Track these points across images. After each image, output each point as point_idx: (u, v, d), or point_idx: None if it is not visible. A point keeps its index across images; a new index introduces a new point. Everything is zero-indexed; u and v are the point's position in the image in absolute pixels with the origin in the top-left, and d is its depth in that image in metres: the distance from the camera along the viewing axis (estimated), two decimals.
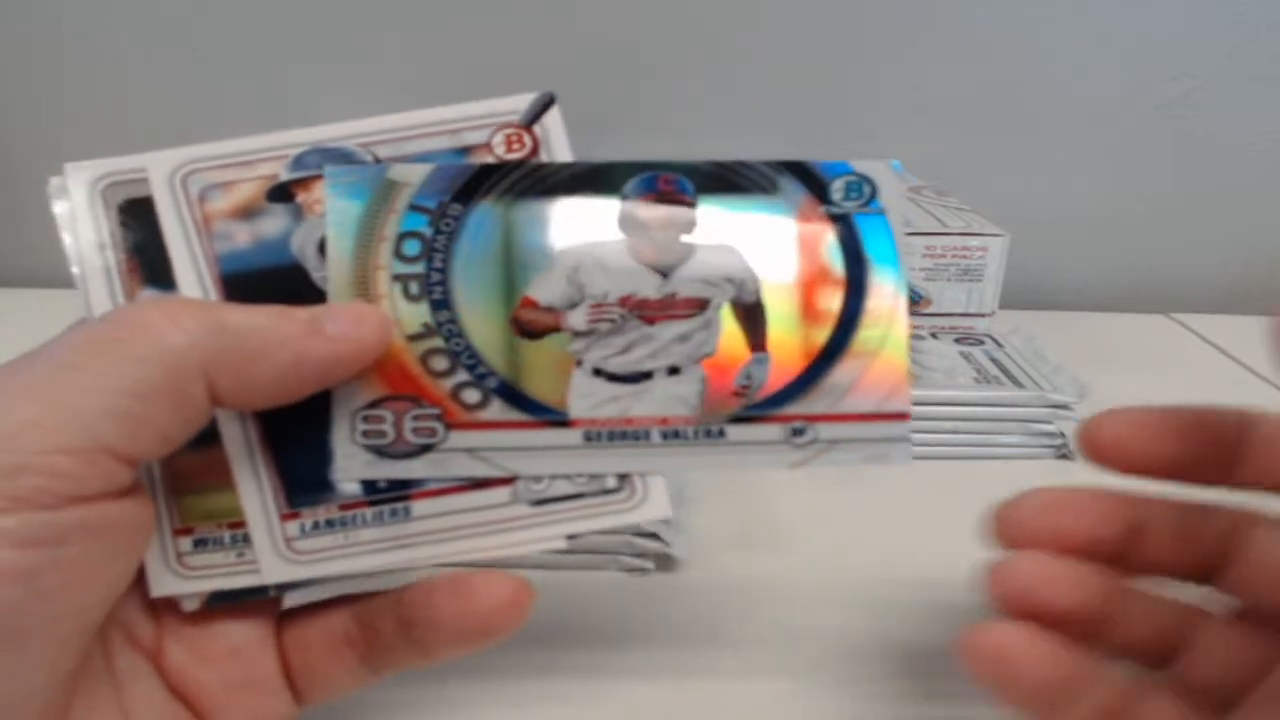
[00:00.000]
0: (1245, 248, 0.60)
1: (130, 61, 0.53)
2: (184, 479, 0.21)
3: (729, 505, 0.36)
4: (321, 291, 0.22)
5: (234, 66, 0.53)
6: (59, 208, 0.22)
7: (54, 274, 0.56)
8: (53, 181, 0.22)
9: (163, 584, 0.21)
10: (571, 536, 0.22)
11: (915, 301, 0.45)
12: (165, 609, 0.21)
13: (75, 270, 0.21)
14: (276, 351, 0.19)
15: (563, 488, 0.22)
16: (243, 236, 0.22)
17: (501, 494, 0.22)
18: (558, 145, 0.23)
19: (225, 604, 0.21)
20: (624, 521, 0.22)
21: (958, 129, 0.56)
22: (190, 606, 0.21)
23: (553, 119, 0.23)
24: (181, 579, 0.21)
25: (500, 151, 0.23)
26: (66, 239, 0.21)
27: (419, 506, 0.22)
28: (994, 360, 0.42)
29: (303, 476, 0.21)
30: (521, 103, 0.23)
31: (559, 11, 0.53)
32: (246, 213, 0.22)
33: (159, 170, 0.22)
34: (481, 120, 0.23)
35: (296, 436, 0.21)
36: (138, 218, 0.22)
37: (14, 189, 0.56)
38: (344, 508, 0.21)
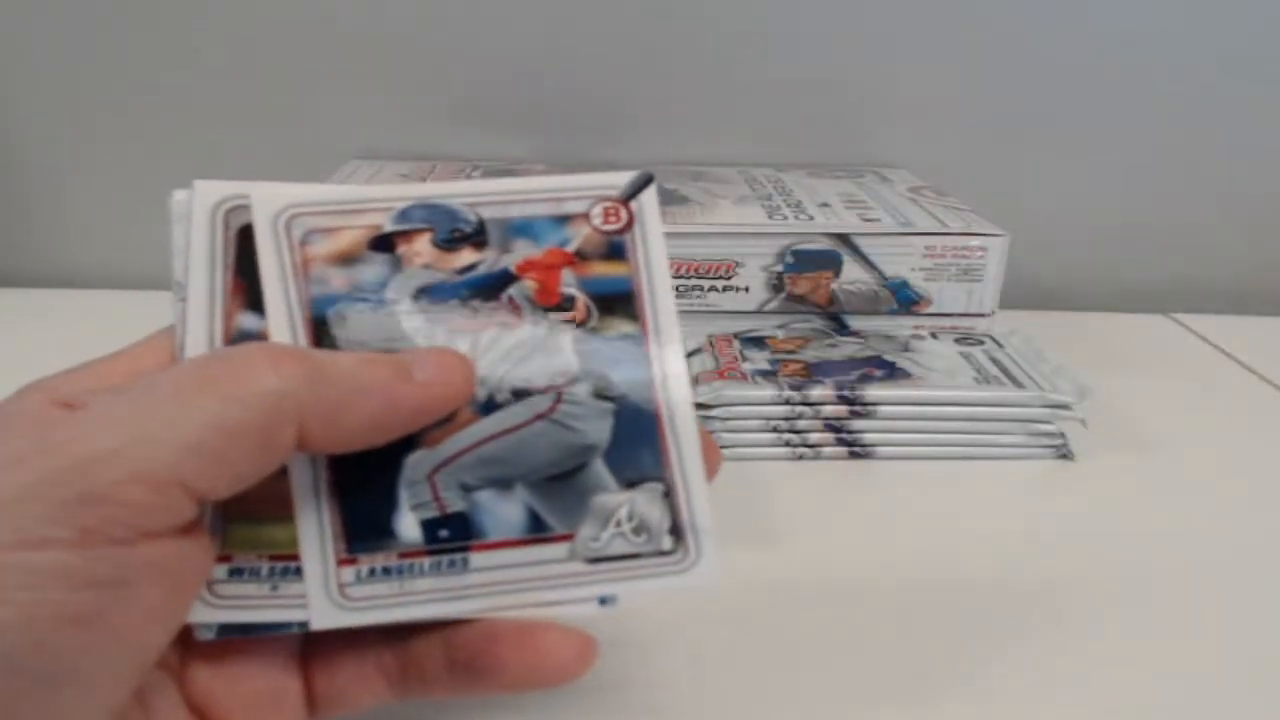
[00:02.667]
0: (1246, 248, 0.60)
1: (133, 62, 0.53)
2: (235, 505, 0.21)
3: (730, 505, 0.36)
4: (412, 341, 0.22)
5: (235, 66, 0.53)
6: (179, 220, 0.22)
7: (55, 274, 0.56)
8: (176, 195, 0.22)
9: (190, 610, 0.20)
10: (604, 600, 0.22)
11: (915, 302, 0.46)
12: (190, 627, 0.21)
13: (178, 282, 0.22)
14: (369, 399, 0.19)
15: (619, 546, 0.22)
16: (339, 282, 0.22)
17: (559, 550, 0.22)
18: (651, 221, 0.23)
19: (240, 635, 0.21)
20: (677, 584, 0.22)
21: (958, 129, 0.56)
22: (204, 636, 0.21)
23: (649, 196, 0.24)
24: (210, 607, 0.21)
25: (597, 222, 0.23)
26: (178, 252, 0.22)
27: (478, 558, 0.21)
28: (994, 360, 0.42)
29: (365, 521, 0.21)
30: (622, 179, 0.24)
31: (559, 11, 0.53)
32: (346, 259, 0.22)
33: (264, 210, 0.22)
34: (583, 192, 0.24)
35: (364, 480, 0.21)
36: (252, 243, 0.22)
37: (17, 189, 0.56)
38: (403, 555, 0.21)
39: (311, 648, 0.22)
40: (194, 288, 0.22)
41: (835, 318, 0.46)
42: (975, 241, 0.45)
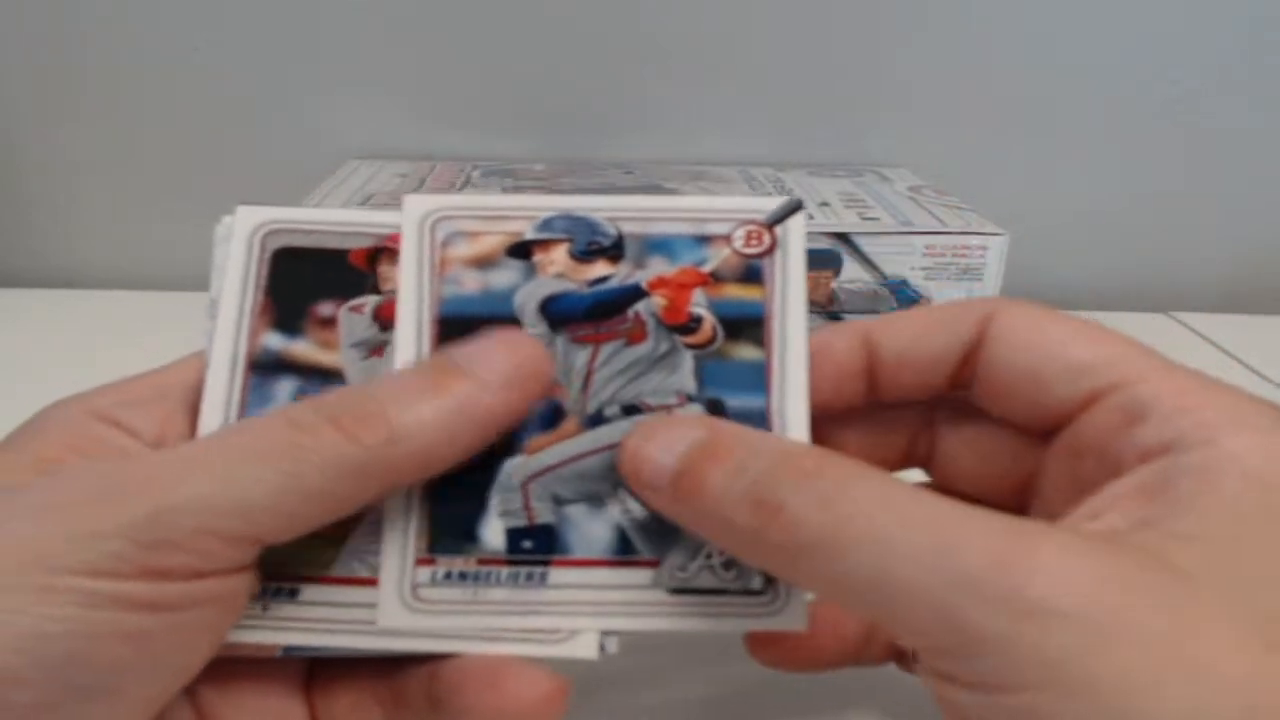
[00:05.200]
0: (1245, 247, 0.60)
1: (132, 61, 0.53)
2: None
3: None
4: None
5: (234, 64, 0.53)
6: (220, 244, 0.23)
7: (55, 274, 0.56)
8: (223, 219, 0.23)
9: (227, 634, 0.20)
10: (603, 646, 0.21)
11: (915, 301, 0.46)
12: None
13: (213, 301, 0.22)
14: (458, 438, 0.19)
15: (706, 580, 0.21)
16: (471, 284, 0.23)
17: (643, 576, 0.21)
18: (795, 248, 0.23)
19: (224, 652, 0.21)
20: (758, 626, 0.21)
21: (958, 129, 0.56)
22: None
23: (795, 223, 0.23)
24: None
25: (739, 244, 0.23)
26: (215, 273, 0.23)
27: (556, 574, 0.21)
28: None
29: (450, 523, 0.21)
30: (770, 204, 0.23)
31: (558, 11, 0.53)
32: (482, 263, 0.23)
33: (413, 210, 0.23)
34: (728, 214, 0.23)
35: (456, 481, 0.21)
36: (285, 266, 0.23)
37: (17, 189, 0.56)
38: (481, 562, 0.21)
39: (315, 675, 0.22)
40: (224, 306, 0.22)
41: (835, 317, 0.46)
42: (975, 241, 0.45)
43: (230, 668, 0.21)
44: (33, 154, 0.55)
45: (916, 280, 0.45)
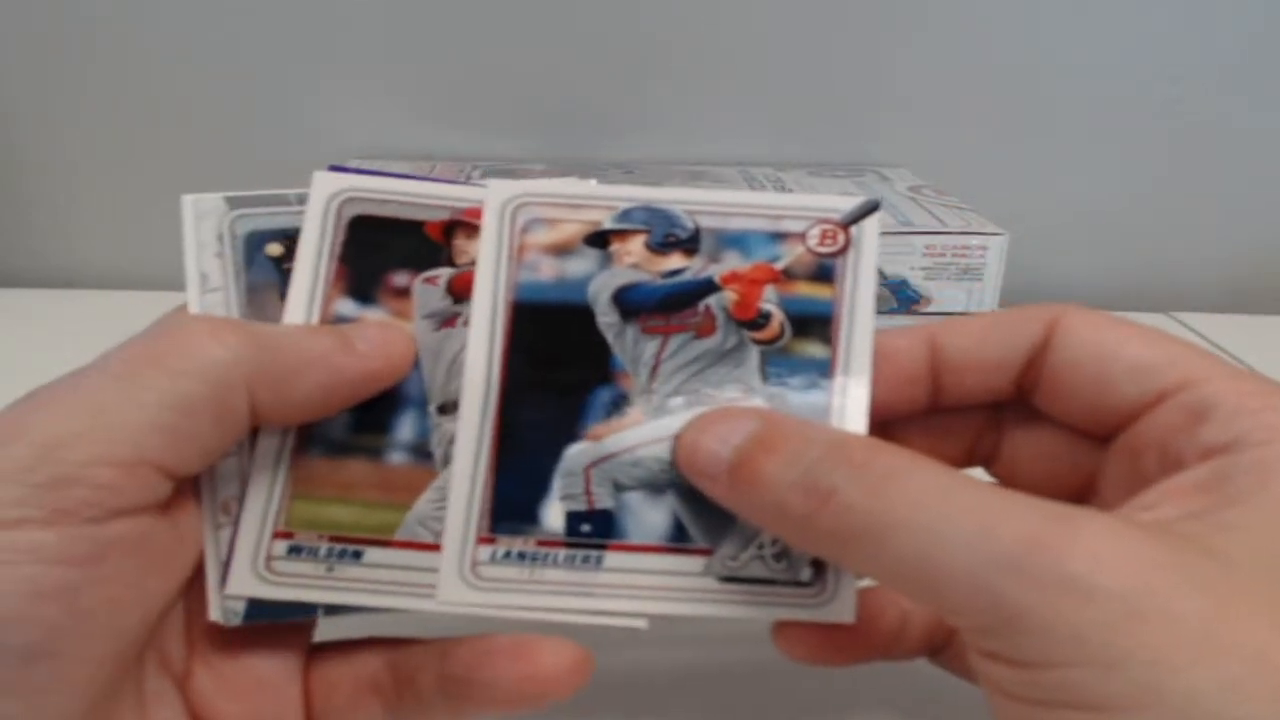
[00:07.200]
0: (1246, 247, 0.60)
1: (132, 61, 0.53)
2: (305, 484, 0.21)
3: None
4: (601, 336, 0.23)
5: (234, 64, 0.53)
6: (196, 219, 0.22)
7: (55, 274, 0.56)
8: (186, 199, 0.22)
9: (242, 583, 0.21)
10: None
11: (915, 301, 0.46)
12: (199, 634, 0.21)
13: (203, 274, 0.22)
14: (313, 368, 0.20)
15: (756, 569, 0.21)
16: (548, 270, 0.23)
17: (695, 563, 0.21)
18: (868, 248, 0.23)
19: (266, 619, 0.21)
20: (806, 617, 0.21)
21: (958, 129, 0.56)
22: (231, 621, 0.21)
23: (871, 224, 0.23)
24: (264, 582, 0.21)
25: (813, 243, 0.23)
26: (194, 249, 0.22)
27: (612, 558, 0.21)
28: None
29: (513, 503, 0.22)
30: (847, 203, 0.23)
31: (558, 11, 0.53)
32: (560, 250, 0.23)
33: (496, 196, 0.23)
34: (804, 211, 0.24)
35: (522, 463, 0.22)
36: (361, 234, 0.23)
37: (17, 189, 0.56)
38: (540, 543, 0.21)
39: (314, 665, 0.22)
40: (299, 273, 0.22)
41: None
42: (975, 240, 0.45)
43: (225, 650, 0.21)
44: (33, 154, 0.55)
45: (916, 280, 0.45)
